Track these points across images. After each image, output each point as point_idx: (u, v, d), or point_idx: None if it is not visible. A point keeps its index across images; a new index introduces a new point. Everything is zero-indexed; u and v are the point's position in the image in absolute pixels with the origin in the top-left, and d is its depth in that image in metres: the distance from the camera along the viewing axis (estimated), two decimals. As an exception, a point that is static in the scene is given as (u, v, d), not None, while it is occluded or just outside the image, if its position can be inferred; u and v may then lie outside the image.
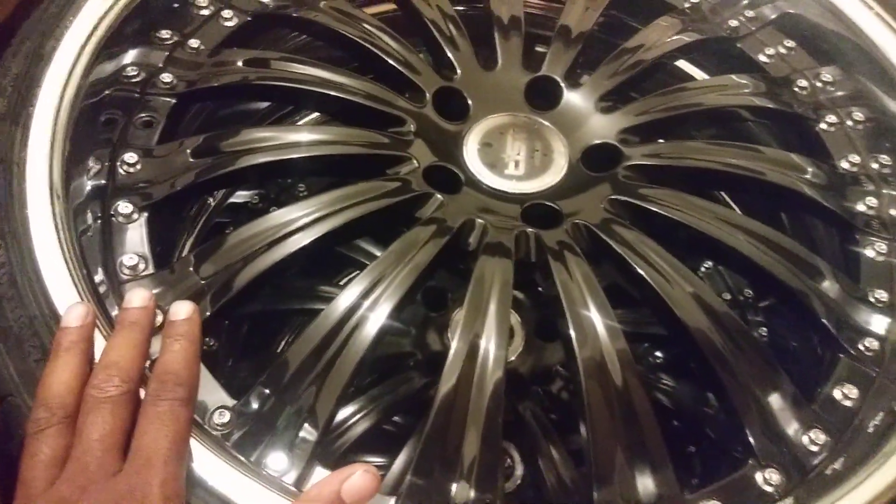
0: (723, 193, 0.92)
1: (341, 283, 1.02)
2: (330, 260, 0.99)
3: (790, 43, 0.83)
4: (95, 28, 0.68)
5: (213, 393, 0.55)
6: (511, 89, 0.76)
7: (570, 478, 0.81)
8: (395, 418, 0.93)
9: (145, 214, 0.64)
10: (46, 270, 0.52)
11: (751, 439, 0.59)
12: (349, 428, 0.84)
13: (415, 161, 0.69)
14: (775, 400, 0.60)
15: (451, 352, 0.59)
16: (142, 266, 0.61)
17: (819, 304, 0.65)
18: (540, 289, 0.82)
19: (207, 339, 0.82)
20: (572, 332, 0.60)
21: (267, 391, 0.56)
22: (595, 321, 0.60)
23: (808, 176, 0.72)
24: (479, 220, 0.66)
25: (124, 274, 0.60)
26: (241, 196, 1.00)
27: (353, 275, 1.02)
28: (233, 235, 0.65)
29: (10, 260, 0.52)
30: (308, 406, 0.55)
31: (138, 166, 0.66)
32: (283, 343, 0.98)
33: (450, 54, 0.76)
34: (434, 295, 0.92)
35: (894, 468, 0.56)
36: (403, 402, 0.91)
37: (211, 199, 0.93)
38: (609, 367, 0.59)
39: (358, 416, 0.86)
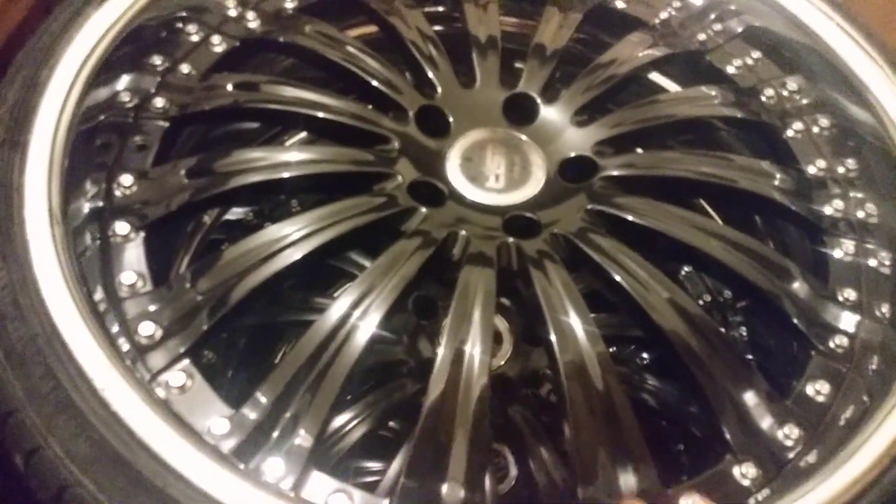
0: (701, 201, 0.96)
1: (335, 294, 1.04)
2: (324, 272, 1.01)
3: (756, 54, 0.86)
4: (89, 56, 0.71)
5: (211, 404, 0.57)
6: (490, 106, 0.79)
7: (560, 478, 0.84)
8: (391, 424, 0.95)
9: (142, 234, 0.66)
10: (47, 290, 0.54)
11: (727, 435, 0.61)
12: (346, 434, 0.86)
13: (399, 177, 0.72)
14: (750, 397, 0.63)
15: (438, 358, 0.62)
16: (140, 284, 0.63)
17: (790, 304, 0.68)
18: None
19: (207, 352, 0.84)
20: (553, 337, 0.63)
21: (263, 400, 0.58)
22: (574, 326, 0.63)
23: (777, 182, 0.76)
24: (462, 232, 0.69)
25: (123, 292, 0.62)
26: (235, 213, 1.02)
27: (347, 286, 1.05)
28: (228, 252, 0.67)
29: (12, 281, 0.54)
30: (303, 413, 0.57)
31: (134, 188, 0.68)
32: (280, 354, 1.00)
33: (430, 74, 0.79)
34: (424, 304, 0.95)
35: (865, 459, 0.59)
36: (398, 408, 0.94)
37: (206, 217, 0.96)
38: (589, 370, 0.61)
39: (354, 423, 0.88)
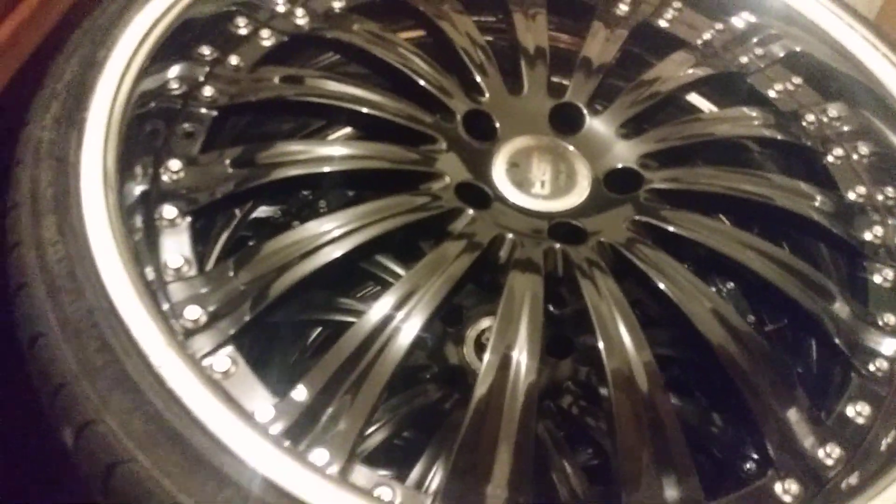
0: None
1: (359, 295, 1.04)
2: (349, 274, 1.01)
3: (797, 80, 0.87)
4: (143, 40, 0.71)
5: (255, 390, 0.56)
6: (536, 114, 0.79)
7: (581, 490, 0.83)
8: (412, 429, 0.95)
9: (188, 219, 0.66)
10: (103, 265, 0.54)
11: (770, 451, 0.61)
12: (367, 436, 0.85)
13: (447, 178, 0.72)
14: (793, 415, 0.63)
15: (485, 363, 0.61)
16: (185, 268, 0.63)
17: (832, 325, 0.68)
18: (551, 307, 0.84)
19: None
20: (601, 344, 0.63)
21: (307, 391, 0.58)
22: (622, 334, 0.63)
23: (817, 203, 0.76)
24: (510, 235, 0.69)
25: (169, 275, 0.62)
26: (263, 211, 1.02)
27: (371, 288, 1.05)
28: (270, 244, 0.67)
29: (69, 254, 0.54)
30: (347, 407, 0.57)
31: (182, 173, 0.68)
32: (302, 352, 1.00)
33: (478, 78, 0.80)
34: (450, 310, 0.94)
35: None
36: (419, 414, 0.93)
37: (237, 212, 0.96)
38: (636, 378, 0.61)
39: (376, 426, 0.87)
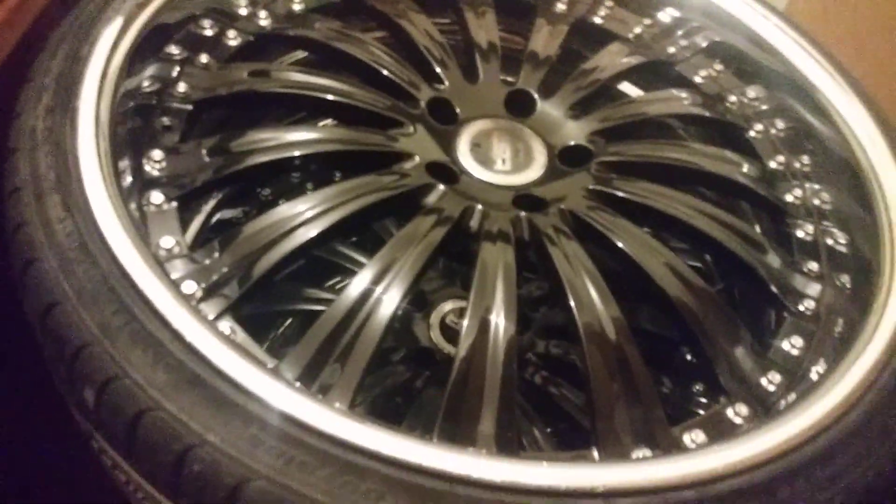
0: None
1: (328, 286, 1.08)
2: (314, 265, 1.05)
3: (719, 66, 0.97)
4: (118, 41, 0.74)
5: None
6: (493, 100, 0.86)
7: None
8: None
9: (174, 204, 0.69)
10: (110, 237, 0.57)
11: (722, 381, 0.69)
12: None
13: (417, 157, 0.78)
14: (739, 351, 0.71)
15: (465, 324, 0.67)
16: (177, 249, 0.66)
17: (766, 273, 0.77)
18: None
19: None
20: (572, 302, 0.69)
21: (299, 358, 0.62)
22: (590, 291, 0.70)
23: (745, 170, 0.86)
24: (479, 207, 0.75)
25: (162, 255, 0.65)
26: (227, 213, 1.05)
27: (340, 280, 1.09)
28: (251, 225, 0.71)
29: (78, 228, 0.57)
30: (336, 377, 0.61)
31: (164, 163, 0.72)
32: (272, 341, 1.03)
33: (439, 70, 0.86)
34: (416, 294, 1.00)
35: (832, 399, 0.66)
36: (390, 393, 0.97)
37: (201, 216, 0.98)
38: (605, 330, 0.68)
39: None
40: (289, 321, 1.06)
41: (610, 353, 0.67)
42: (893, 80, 1.18)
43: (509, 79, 0.91)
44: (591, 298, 0.70)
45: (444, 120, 0.84)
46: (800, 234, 0.83)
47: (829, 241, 0.83)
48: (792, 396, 0.69)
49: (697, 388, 0.82)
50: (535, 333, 1.05)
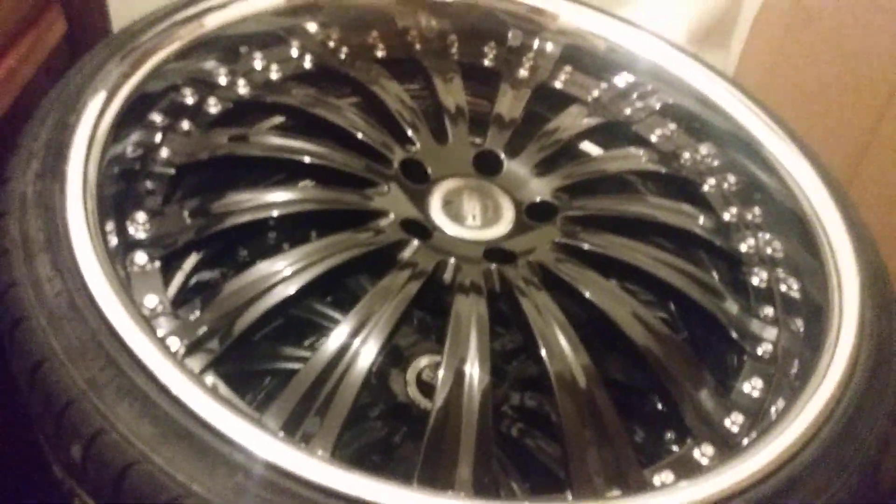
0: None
1: (307, 345, 1.10)
2: (292, 324, 1.07)
3: (673, 126, 1.04)
4: (104, 110, 0.78)
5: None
6: (462, 160, 0.91)
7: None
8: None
9: (157, 264, 0.72)
10: (98, 296, 0.59)
11: (688, 424, 0.72)
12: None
13: (392, 214, 0.82)
14: (703, 394, 0.74)
15: (440, 373, 0.69)
16: (160, 307, 0.69)
17: (726, 320, 0.81)
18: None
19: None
20: (543, 351, 0.72)
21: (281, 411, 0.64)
22: (560, 340, 0.73)
23: (701, 222, 0.91)
24: (452, 260, 0.79)
25: (146, 312, 0.67)
26: (205, 276, 1.07)
27: (318, 339, 1.11)
28: (231, 283, 0.73)
29: (67, 287, 0.59)
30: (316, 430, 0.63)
31: (147, 224, 0.75)
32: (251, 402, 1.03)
33: (410, 132, 0.91)
34: (392, 350, 1.02)
35: (791, 435, 0.69)
36: (367, 449, 0.99)
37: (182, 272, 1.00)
38: (576, 377, 0.71)
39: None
40: (268, 380, 1.07)
41: (581, 399, 0.70)
42: (833, 135, 1.26)
43: (477, 140, 0.97)
44: (561, 347, 0.73)
45: (416, 179, 0.88)
46: (755, 281, 0.88)
47: (783, 288, 0.88)
48: (754, 436, 0.72)
49: (669, 435, 0.85)
50: (509, 386, 1.07)
